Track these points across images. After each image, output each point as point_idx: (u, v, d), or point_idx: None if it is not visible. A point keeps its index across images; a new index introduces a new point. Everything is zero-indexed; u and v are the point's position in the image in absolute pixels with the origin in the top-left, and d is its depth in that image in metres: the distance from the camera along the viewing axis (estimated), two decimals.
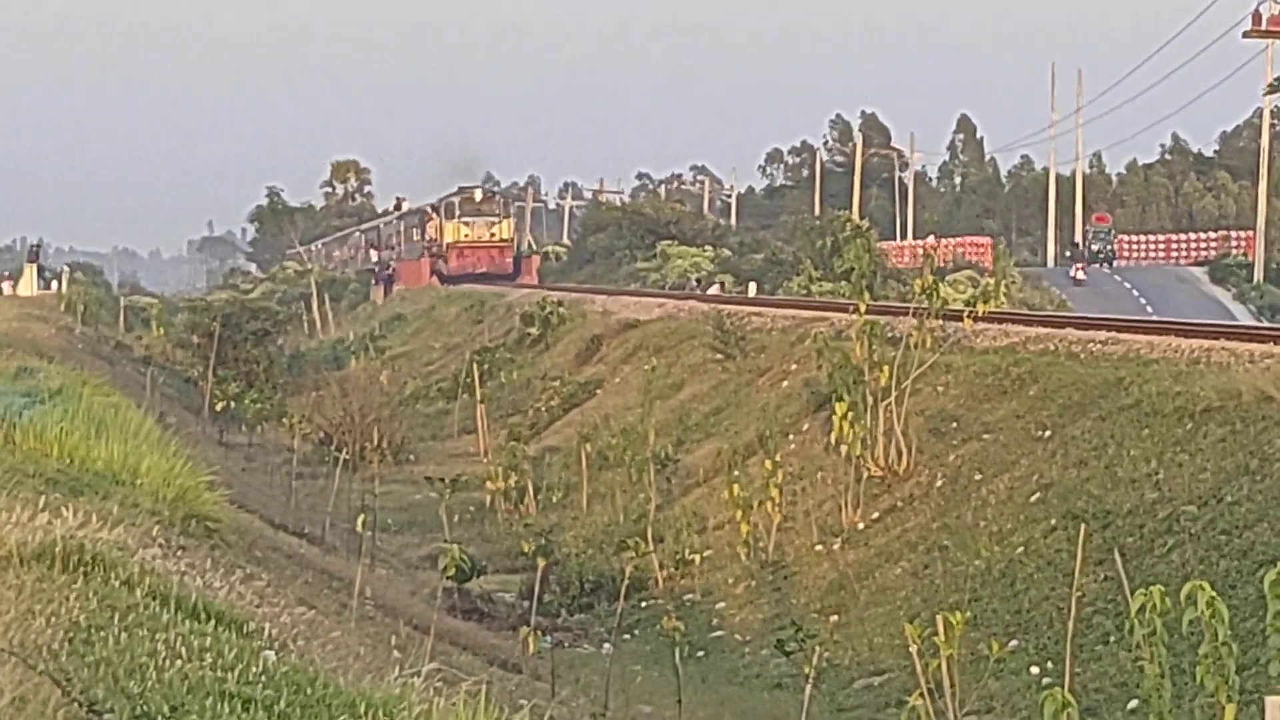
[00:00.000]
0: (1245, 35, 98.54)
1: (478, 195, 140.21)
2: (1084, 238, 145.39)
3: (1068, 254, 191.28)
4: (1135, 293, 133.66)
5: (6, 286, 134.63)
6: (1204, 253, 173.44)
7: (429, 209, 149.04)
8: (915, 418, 52.88)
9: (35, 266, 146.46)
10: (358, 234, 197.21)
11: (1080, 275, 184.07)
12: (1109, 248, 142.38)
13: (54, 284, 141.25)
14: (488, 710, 16.02)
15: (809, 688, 32.09)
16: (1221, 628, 23.12)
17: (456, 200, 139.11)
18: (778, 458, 54.68)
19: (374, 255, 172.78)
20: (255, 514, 45.58)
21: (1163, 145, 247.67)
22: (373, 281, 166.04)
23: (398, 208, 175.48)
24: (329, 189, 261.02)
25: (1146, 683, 23.48)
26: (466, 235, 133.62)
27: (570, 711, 29.69)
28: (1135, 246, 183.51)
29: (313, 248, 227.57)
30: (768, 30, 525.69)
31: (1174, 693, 23.49)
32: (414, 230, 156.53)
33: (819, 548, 49.50)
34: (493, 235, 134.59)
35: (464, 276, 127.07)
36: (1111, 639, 32.30)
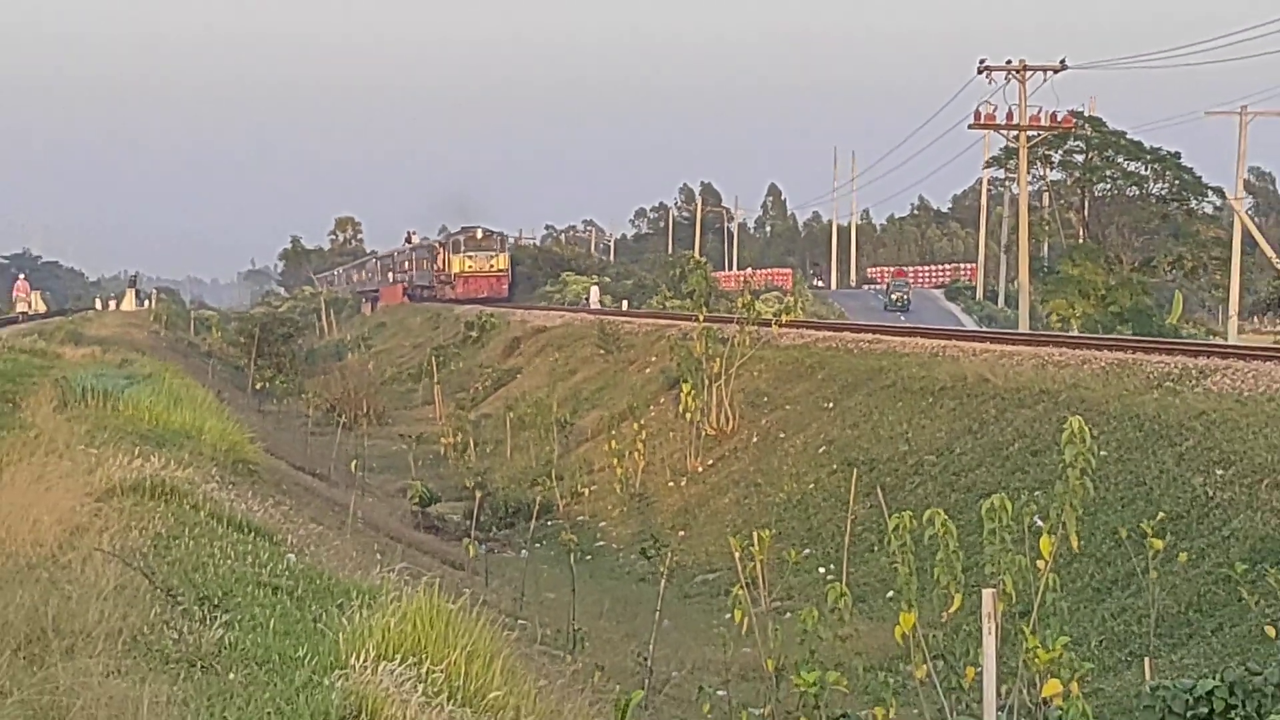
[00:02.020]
0: (970, 127, 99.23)
1: (479, 234, 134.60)
2: (886, 288, 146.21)
3: (811, 271, 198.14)
4: (894, 302, 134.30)
5: (113, 304, 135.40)
6: (941, 279, 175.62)
7: (437, 243, 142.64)
8: (738, 394, 54.00)
9: (134, 290, 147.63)
10: (374, 261, 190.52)
11: (819, 283, 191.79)
12: (906, 295, 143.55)
13: (146, 302, 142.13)
14: (439, 596, 16.04)
15: (663, 581, 32.45)
16: (951, 540, 23.31)
17: (461, 238, 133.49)
18: (642, 422, 56.71)
19: (390, 278, 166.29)
20: (282, 460, 45.87)
21: (913, 204, 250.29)
22: (363, 300, 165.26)
23: (408, 240, 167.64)
24: (334, 236, 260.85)
25: (899, 579, 23.55)
26: (470, 266, 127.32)
27: (498, 597, 29.74)
28: (880, 275, 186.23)
29: (336, 272, 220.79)
30: (635, 118, 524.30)
31: (919, 585, 23.63)
32: (424, 260, 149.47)
33: (671, 484, 50.30)
34: (491, 266, 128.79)
35: (469, 300, 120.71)
36: (875, 548, 32.50)
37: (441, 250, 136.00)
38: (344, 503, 38.80)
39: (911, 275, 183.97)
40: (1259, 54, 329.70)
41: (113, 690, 11.48)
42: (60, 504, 19.31)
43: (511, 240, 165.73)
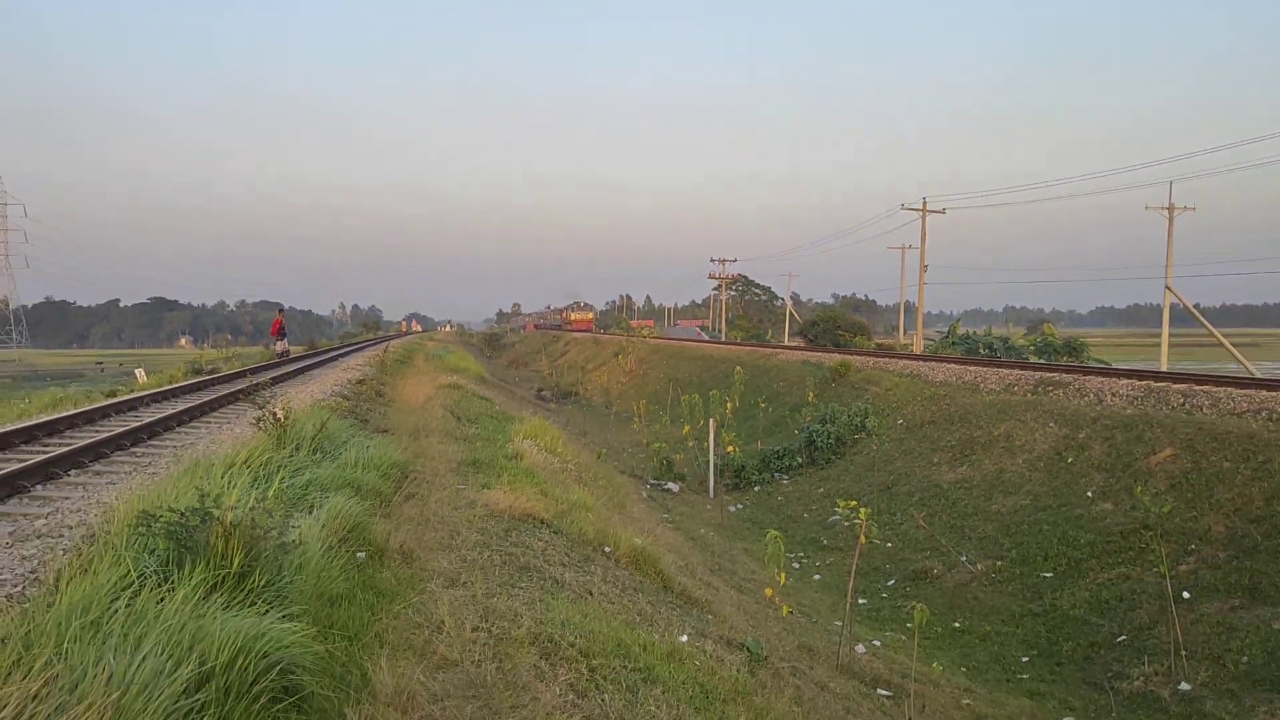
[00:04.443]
0: (709, 277, 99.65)
1: (581, 303, 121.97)
2: (698, 335, 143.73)
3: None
4: (687, 334, 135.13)
5: (444, 329, 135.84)
6: (699, 325, 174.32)
7: (565, 308, 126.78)
8: (636, 359, 52.99)
9: (449, 324, 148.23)
10: (535, 315, 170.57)
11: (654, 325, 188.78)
12: (704, 337, 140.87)
13: (452, 327, 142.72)
14: (543, 420, 16.21)
15: (613, 414, 32.43)
16: (699, 404, 23.55)
17: (573, 305, 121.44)
18: (607, 366, 55.21)
19: (541, 321, 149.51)
20: (495, 378, 45.43)
21: (691, 301, 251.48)
22: (520, 329, 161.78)
23: (548, 307, 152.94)
24: (514, 306, 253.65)
25: (684, 416, 23.86)
26: (576, 318, 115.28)
27: (562, 421, 29.68)
28: (684, 323, 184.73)
29: (517, 319, 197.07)
30: (601, 263, 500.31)
31: (691, 418, 23.98)
32: (555, 314, 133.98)
33: (616, 387, 48.86)
34: (586, 318, 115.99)
35: (576, 330, 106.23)
36: (677, 405, 32.39)
37: (566, 311, 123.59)
38: (515, 392, 38.63)
39: (689, 323, 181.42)
40: (817, 254, 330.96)
41: (439, 449, 11.65)
42: (424, 390, 19.40)
43: (596, 307, 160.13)
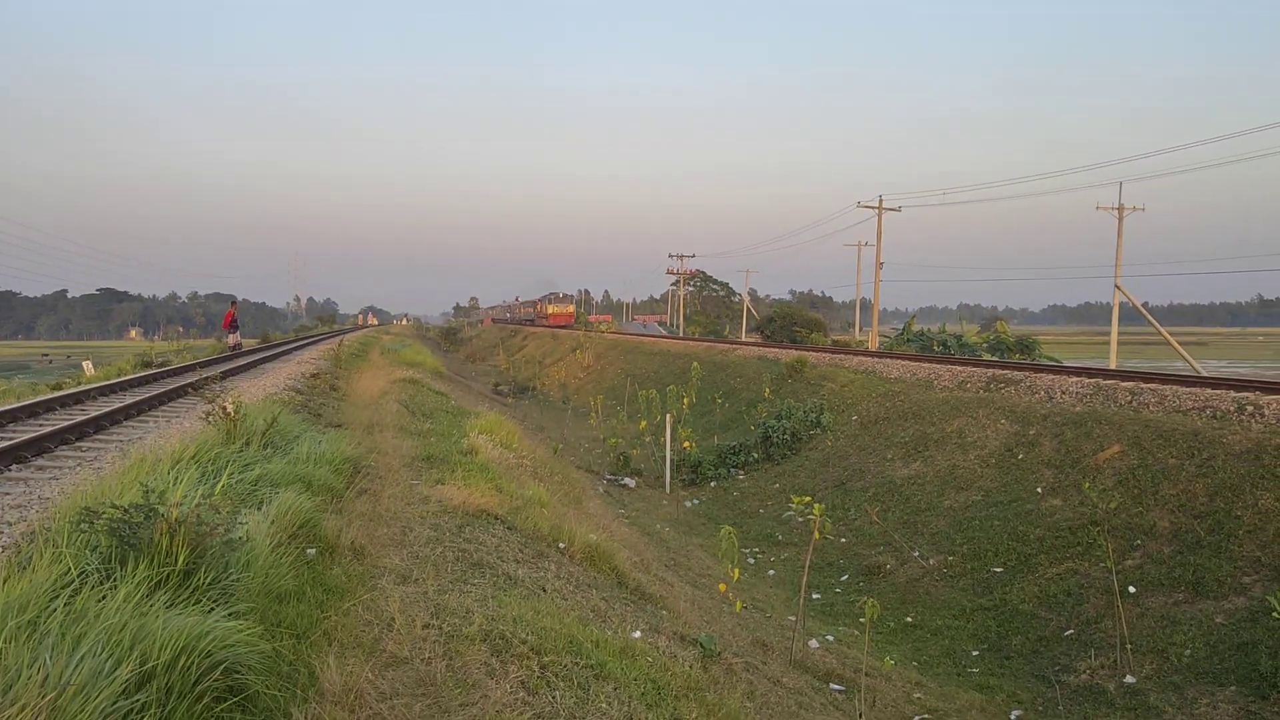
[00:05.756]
0: (667, 272, 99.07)
1: (560, 294, 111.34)
2: (658, 330, 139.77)
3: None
4: (645, 329, 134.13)
5: (400, 322, 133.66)
6: (658, 320, 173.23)
7: (538, 300, 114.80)
8: (594, 353, 52.55)
9: (406, 317, 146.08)
10: (497, 307, 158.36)
11: (612, 319, 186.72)
12: (662, 333, 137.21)
13: (411, 321, 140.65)
14: (500, 414, 16.04)
15: (569, 411, 32.20)
16: (658, 399, 23.58)
17: (550, 296, 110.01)
18: (564, 361, 54.37)
19: (508, 315, 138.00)
20: (452, 373, 44.96)
21: (650, 296, 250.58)
22: (479, 323, 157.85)
23: (516, 299, 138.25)
24: (473, 300, 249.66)
25: (642, 411, 23.82)
26: (555, 310, 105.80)
27: (519, 416, 29.52)
28: (642, 318, 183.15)
29: (477, 312, 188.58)
30: (564, 263, 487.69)
31: (649, 413, 23.93)
32: (529, 306, 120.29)
33: (574, 381, 48.25)
34: (565, 310, 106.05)
35: (554, 326, 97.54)
36: (635, 400, 32.35)
37: (540, 303, 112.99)
38: (472, 387, 38.17)
39: (648, 318, 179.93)
40: (782, 251, 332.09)
41: (393, 443, 11.48)
42: (378, 384, 19.12)
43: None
